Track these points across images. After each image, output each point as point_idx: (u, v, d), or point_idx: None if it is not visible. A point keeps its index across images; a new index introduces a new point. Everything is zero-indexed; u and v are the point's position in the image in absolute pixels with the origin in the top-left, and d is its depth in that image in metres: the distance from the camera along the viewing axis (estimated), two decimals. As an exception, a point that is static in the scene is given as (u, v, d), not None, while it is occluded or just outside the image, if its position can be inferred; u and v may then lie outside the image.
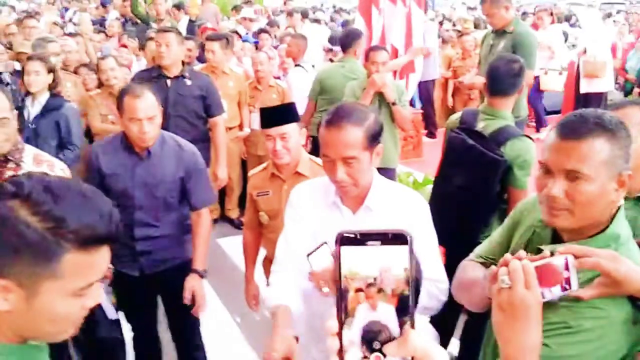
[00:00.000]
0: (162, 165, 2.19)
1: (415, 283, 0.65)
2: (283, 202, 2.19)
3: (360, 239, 0.65)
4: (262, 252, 2.47)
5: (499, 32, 3.69)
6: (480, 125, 2.36)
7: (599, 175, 1.05)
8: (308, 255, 1.39)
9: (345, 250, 0.66)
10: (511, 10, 3.70)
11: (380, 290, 0.64)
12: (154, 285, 2.34)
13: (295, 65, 4.77)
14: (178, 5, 7.70)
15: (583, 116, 1.09)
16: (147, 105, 2.11)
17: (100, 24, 7.99)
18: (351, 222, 1.52)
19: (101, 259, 0.85)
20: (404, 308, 0.64)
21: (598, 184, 1.05)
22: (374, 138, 1.46)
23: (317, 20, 7.96)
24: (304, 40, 4.92)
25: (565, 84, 7.07)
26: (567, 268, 0.95)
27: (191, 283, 2.23)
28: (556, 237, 1.16)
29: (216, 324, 3.22)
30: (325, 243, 1.40)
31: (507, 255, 0.94)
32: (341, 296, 0.65)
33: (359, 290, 0.64)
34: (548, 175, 1.10)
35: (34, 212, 0.79)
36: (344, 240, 0.66)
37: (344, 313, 0.64)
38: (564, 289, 0.95)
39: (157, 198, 2.20)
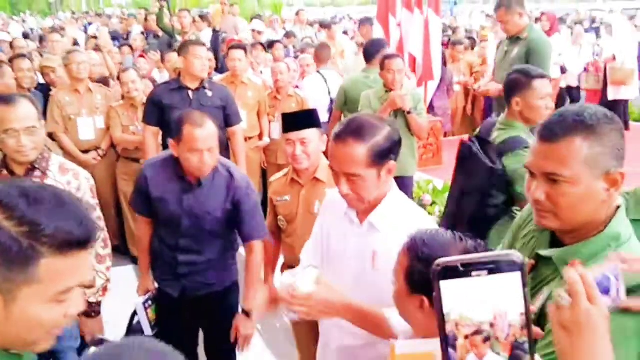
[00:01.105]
0: (211, 196, 2.11)
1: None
2: (300, 207, 2.21)
3: (464, 270, 0.56)
4: (281, 259, 2.48)
5: (513, 39, 3.69)
6: (493, 136, 2.38)
7: (580, 176, 1.00)
8: (293, 275, 1.35)
9: (447, 285, 0.56)
10: (525, 17, 3.70)
11: (486, 339, 0.56)
12: (194, 307, 2.29)
13: (317, 72, 4.76)
14: (203, 16, 7.87)
15: (562, 115, 1.04)
16: (209, 135, 2.00)
17: (124, 39, 8.21)
18: (358, 234, 1.50)
19: (80, 263, 0.84)
20: (518, 356, 0.56)
21: (581, 185, 1.00)
22: (381, 155, 1.40)
23: (345, 32, 8.04)
24: (326, 49, 4.92)
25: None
26: (616, 277, 0.89)
27: (238, 322, 2.19)
28: (555, 240, 1.13)
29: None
30: (315, 267, 1.36)
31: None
32: (447, 343, 0.56)
33: (467, 337, 0.56)
34: (533, 178, 1.07)
35: (8, 216, 0.79)
36: (444, 273, 0.57)
37: None
38: (613, 300, 0.88)
39: (203, 228, 2.14)
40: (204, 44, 3.50)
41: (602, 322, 0.77)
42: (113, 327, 2.42)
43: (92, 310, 2.09)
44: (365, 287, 1.44)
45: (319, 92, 4.64)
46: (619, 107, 6.72)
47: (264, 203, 4.70)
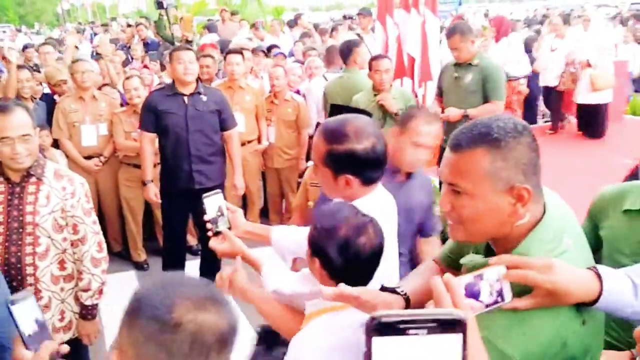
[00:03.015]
0: (417, 189, 2.17)
1: None
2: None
3: (401, 326, 0.51)
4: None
5: (464, 65, 3.74)
6: None
7: (480, 189, 0.98)
8: (204, 197, 1.56)
9: (379, 342, 0.51)
10: (475, 44, 3.79)
11: None
12: None
13: (323, 76, 4.76)
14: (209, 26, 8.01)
15: (471, 125, 1.03)
16: (435, 132, 2.11)
17: (127, 47, 8.32)
18: None
19: None
20: None
21: (480, 198, 0.99)
22: (336, 164, 1.42)
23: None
24: (335, 52, 4.93)
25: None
26: (497, 280, 0.90)
27: None
28: (490, 247, 1.11)
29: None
30: (220, 191, 1.61)
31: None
32: None
33: None
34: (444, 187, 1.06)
35: None
36: (377, 327, 0.51)
37: None
38: (496, 302, 0.89)
39: (413, 223, 2.13)
40: (189, 49, 3.50)
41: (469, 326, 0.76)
42: (114, 332, 2.47)
43: (89, 313, 2.13)
44: None
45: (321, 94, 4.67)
46: (600, 111, 6.67)
47: (265, 208, 4.77)
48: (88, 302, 2.11)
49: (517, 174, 0.98)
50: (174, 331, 0.76)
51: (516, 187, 0.98)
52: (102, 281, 2.14)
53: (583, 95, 6.71)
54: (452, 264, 1.29)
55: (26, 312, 1.17)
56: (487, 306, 0.88)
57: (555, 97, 7.14)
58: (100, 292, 2.15)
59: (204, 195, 1.59)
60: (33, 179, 1.98)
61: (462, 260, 1.19)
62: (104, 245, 2.18)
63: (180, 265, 3.71)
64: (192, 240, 4.26)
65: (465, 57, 3.70)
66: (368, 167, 1.43)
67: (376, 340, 0.51)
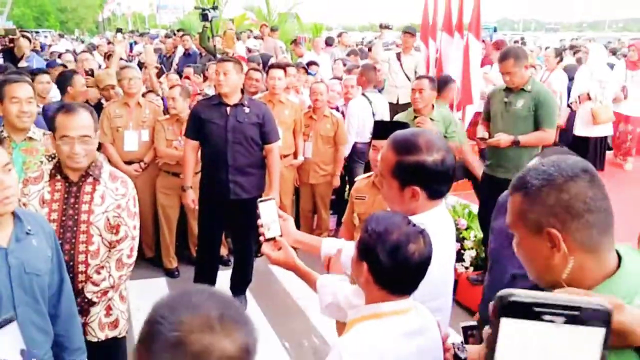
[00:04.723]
0: None
1: None
2: (375, 209, 2.31)
3: (536, 310, 0.46)
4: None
5: (515, 90, 3.67)
6: None
7: (519, 230, 1.06)
8: (259, 201, 1.61)
9: (508, 324, 0.46)
10: (529, 69, 3.73)
11: None
12: None
13: (362, 94, 4.79)
14: (237, 35, 8.16)
15: (524, 171, 1.09)
16: None
17: (167, 58, 8.50)
18: None
19: None
20: None
21: (523, 240, 1.06)
22: (404, 175, 1.42)
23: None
24: (372, 71, 4.96)
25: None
26: None
27: None
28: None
29: (265, 348, 3.22)
30: (273, 198, 1.65)
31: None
32: None
33: None
34: None
35: None
36: (508, 307, 0.46)
37: None
38: None
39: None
40: (230, 60, 3.50)
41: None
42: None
43: (82, 307, 1.99)
44: None
45: (365, 113, 4.65)
46: (589, 144, 6.52)
47: (296, 223, 4.75)
48: (89, 295, 2.01)
49: (548, 217, 0.99)
50: (174, 350, 0.72)
51: (547, 231, 1.00)
52: (113, 285, 2.05)
53: (580, 128, 6.58)
54: None
55: (7, 340, 1.07)
56: None
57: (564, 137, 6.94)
58: (104, 294, 2.05)
59: (259, 200, 1.63)
60: (90, 179, 2.02)
61: None
62: (135, 253, 2.14)
63: (212, 274, 3.73)
64: (223, 250, 4.27)
65: (518, 82, 3.62)
66: (436, 180, 1.44)
67: (505, 322, 0.46)
